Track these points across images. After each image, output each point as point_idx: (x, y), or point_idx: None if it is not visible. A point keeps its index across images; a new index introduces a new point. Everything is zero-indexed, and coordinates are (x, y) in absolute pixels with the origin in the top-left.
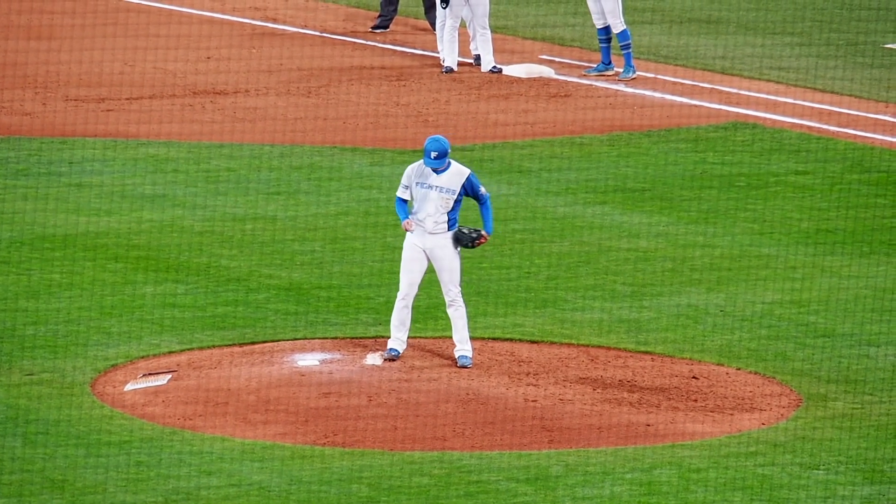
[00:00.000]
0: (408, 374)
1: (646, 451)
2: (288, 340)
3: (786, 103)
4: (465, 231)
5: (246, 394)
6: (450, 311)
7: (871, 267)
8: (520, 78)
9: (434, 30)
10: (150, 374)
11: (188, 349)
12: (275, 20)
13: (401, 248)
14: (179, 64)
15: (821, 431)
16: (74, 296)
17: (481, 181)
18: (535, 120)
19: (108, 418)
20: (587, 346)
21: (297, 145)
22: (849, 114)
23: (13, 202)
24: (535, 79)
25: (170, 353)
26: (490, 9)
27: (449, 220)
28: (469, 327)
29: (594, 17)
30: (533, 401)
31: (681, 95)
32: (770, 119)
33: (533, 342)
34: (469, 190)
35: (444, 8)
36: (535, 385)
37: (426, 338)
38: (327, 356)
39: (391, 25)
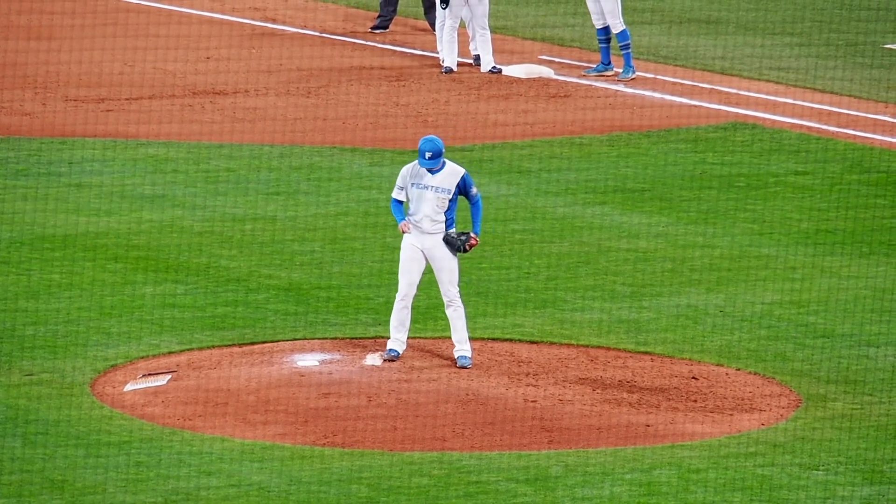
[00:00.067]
0: (407, 375)
1: (645, 452)
2: (287, 341)
3: (785, 104)
4: (454, 235)
5: (245, 394)
6: (448, 312)
7: (870, 267)
8: (519, 78)
9: (433, 30)
10: (149, 374)
11: (188, 349)
12: (274, 20)
13: (400, 249)
14: (179, 64)
15: (820, 432)
16: (74, 296)
17: (481, 181)
18: (534, 120)
19: (107, 419)
20: (587, 346)
21: (296, 145)
22: (848, 114)
23: (13, 202)
24: (534, 79)
25: (169, 353)
26: (489, 9)
27: (446, 219)
28: (468, 328)
29: (593, 17)
30: (532, 401)
31: (680, 96)
32: (770, 119)
33: (532, 342)
34: (462, 189)
35: (444, 8)
36: (534, 385)
37: (426, 338)
38: (327, 356)
39: (391, 26)
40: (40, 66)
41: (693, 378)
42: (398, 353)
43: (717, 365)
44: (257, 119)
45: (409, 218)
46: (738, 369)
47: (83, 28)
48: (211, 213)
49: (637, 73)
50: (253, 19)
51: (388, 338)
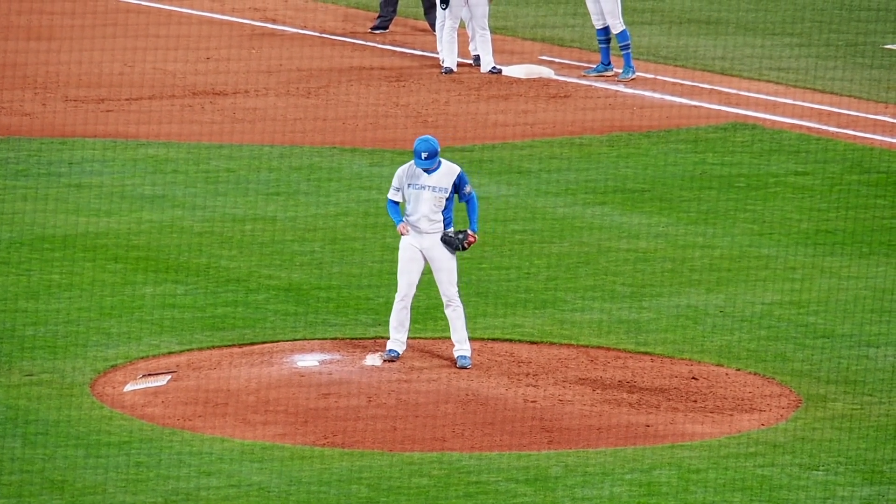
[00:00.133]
0: (407, 375)
1: (645, 452)
2: (287, 341)
3: (785, 104)
4: (451, 234)
5: (245, 394)
6: (448, 312)
7: (870, 268)
8: (519, 78)
9: (433, 31)
10: (149, 374)
11: (188, 350)
12: (274, 21)
13: (399, 249)
14: (179, 64)
15: (820, 432)
16: (74, 296)
17: (481, 182)
18: (534, 120)
19: (107, 419)
20: (587, 346)
21: (296, 146)
22: (848, 114)
23: (13, 203)
24: (534, 79)
25: (169, 353)
26: (489, 9)
27: (444, 219)
28: (468, 327)
29: (593, 17)
30: (532, 401)
31: (680, 96)
32: (769, 120)
33: (532, 343)
34: (456, 187)
35: (444, 9)
36: (534, 386)
37: (425, 338)
38: (327, 357)
39: (390, 26)
40: (40, 66)
41: (693, 378)
42: (398, 354)
43: (717, 365)
44: (257, 119)
45: (407, 219)
46: (738, 369)
47: (83, 28)
48: (211, 214)
49: (637, 74)
50: (253, 20)
51: (388, 338)
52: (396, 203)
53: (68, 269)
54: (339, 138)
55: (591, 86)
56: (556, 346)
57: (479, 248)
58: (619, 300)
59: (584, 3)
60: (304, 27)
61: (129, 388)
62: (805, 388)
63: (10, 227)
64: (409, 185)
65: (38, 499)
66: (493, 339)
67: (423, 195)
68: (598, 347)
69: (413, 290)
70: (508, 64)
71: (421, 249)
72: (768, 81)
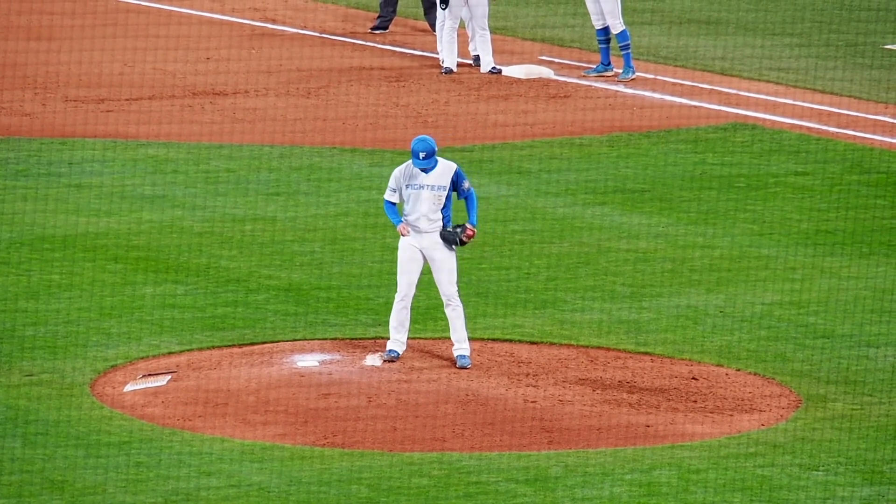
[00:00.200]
0: (407, 375)
1: (645, 452)
2: (287, 341)
3: (785, 104)
4: (449, 230)
5: (245, 395)
6: (447, 311)
7: (870, 268)
8: (519, 79)
9: (433, 31)
10: (149, 374)
11: (188, 350)
12: (274, 21)
13: (398, 249)
14: (179, 65)
15: (820, 432)
16: (74, 297)
17: (481, 182)
18: (534, 121)
19: (107, 419)
20: (587, 346)
21: (296, 146)
22: (848, 115)
23: (13, 203)
24: (534, 80)
25: (169, 353)
26: (489, 10)
27: (443, 217)
28: (467, 327)
29: (593, 17)
30: (532, 402)
31: (680, 96)
32: (769, 120)
33: (532, 343)
34: (454, 184)
35: (444, 9)
36: (534, 386)
37: (425, 339)
38: (327, 357)
39: (390, 26)
40: (40, 66)
41: (693, 378)
42: (398, 354)
43: (717, 365)
44: (257, 119)
45: (406, 219)
46: (738, 370)
47: (83, 28)
48: (211, 214)
49: (637, 74)
50: (253, 20)
51: (388, 338)
52: (393, 204)
53: (68, 270)
54: (339, 138)
55: (591, 86)
56: (556, 347)
57: (479, 248)
58: (619, 300)
59: (584, 4)
60: (304, 27)
61: (129, 388)
62: (805, 388)
63: (10, 227)
64: (407, 185)
65: (38, 499)
66: (493, 340)
67: (422, 195)
68: (598, 348)
69: (413, 290)
70: (508, 64)
71: (421, 249)
72: (768, 82)
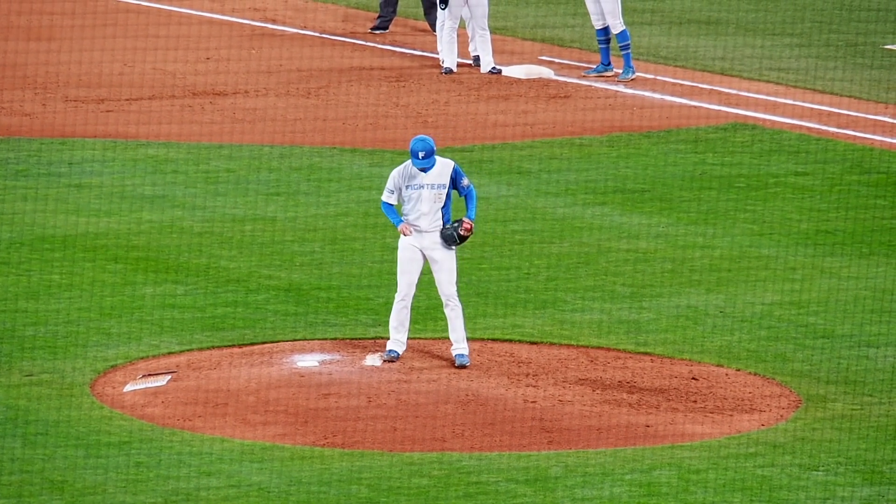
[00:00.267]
0: (407, 376)
1: (645, 452)
2: (287, 341)
3: (785, 104)
4: (447, 227)
5: (245, 395)
6: (446, 311)
7: (870, 268)
8: (519, 79)
9: (433, 31)
10: (149, 374)
11: (188, 350)
12: (274, 21)
13: (398, 249)
14: (179, 65)
15: (820, 432)
16: (74, 297)
17: (481, 182)
18: (534, 121)
19: (107, 419)
20: (587, 347)
21: (296, 146)
22: (848, 115)
23: (13, 203)
24: (534, 80)
25: (169, 353)
26: (489, 10)
27: (443, 216)
28: (466, 327)
29: (593, 18)
30: (532, 402)
31: (680, 96)
32: (769, 120)
33: (532, 343)
34: (454, 181)
35: (444, 9)
36: (534, 386)
37: (425, 339)
38: (327, 357)
39: (390, 26)
40: (40, 66)
41: (693, 379)
42: (398, 354)
43: (717, 365)
44: (257, 120)
45: (405, 219)
46: (738, 370)
47: (83, 28)
48: (211, 214)
49: (637, 74)
50: (253, 20)
51: (388, 338)
52: (391, 205)
53: (68, 270)
54: (339, 138)
55: (590, 86)
56: (556, 347)
57: (479, 248)
58: (619, 300)
59: (584, 4)
60: (304, 27)
61: (129, 388)
62: (805, 388)
63: (11, 227)
64: (406, 186)
65: (38, 499)
66: (493, 340)
67: (423, 194)
68: (598, 348)
69: (413, 290)
70: (508, 64)
71: (421, 249)
72: (768, 82)
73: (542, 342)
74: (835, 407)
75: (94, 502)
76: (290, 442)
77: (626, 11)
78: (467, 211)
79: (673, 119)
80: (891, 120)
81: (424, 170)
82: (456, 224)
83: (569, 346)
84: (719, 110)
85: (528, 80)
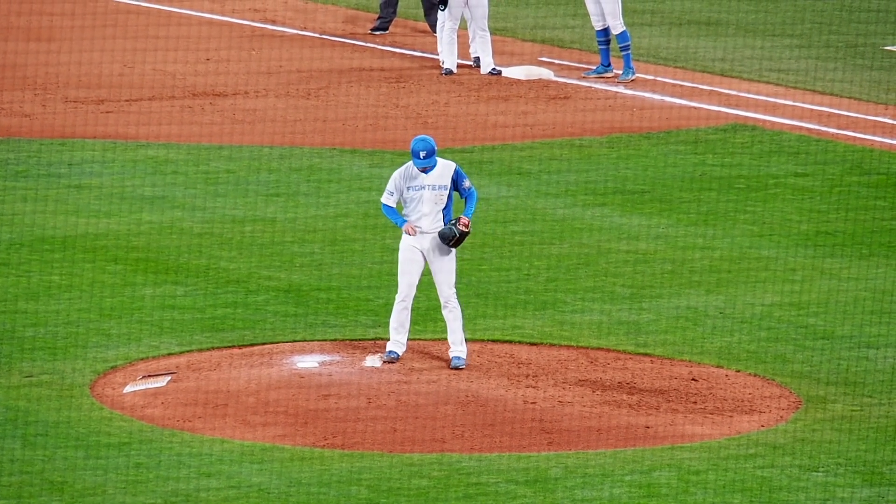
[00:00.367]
0: (407, 376)
1: (645, 453)
2: (287, 342)
3: (785, 105)
4: (445, 227)
5: (245, 396)
6: (445, 313)
7: (870, 269)
8: (519, 80)
9: (434, 32)
10: (149, 375)
11: (187, 351)
12: (274, 22)
13: (399, 250)
14: (179, 66)
15: (820, 433)
16: (74, 297)
17: (481, 183)
18: (534, 122)
19: (107, 420)
20: (586, 347)
21: (296, 147)
22: (848, 116)
23: (12, 204)
24: (534, 81)
25: (169, 354)
26: (489, 11)
27: (444, 217)
28: (464, 329)
29: (593, 19)
30: (532, 403)
31: (680, 97)
32: (769, 121)
33: (532, 344)
34: (455, 182)
35: (443, 10)
36: (534, 387)
37: (425, 340)
38: (326, 358)
39: (390, 27)
40: (40, 67)
41: (693, 380)
42: (398, 355)
43: (717, 366)
44: (257, 120)
45: (407, 219)
46: (738, 371)
47: (83, 29)
48: (210, 215)
49: (637, 75)
50: (253, 21)
51: (388, 339)
52: (391, 206)
53: (68, 271)
54: (338, 139)
55: (590, 87)
56: (556, 348)
57: (479, 249)
58: (618, 301)
59: (584, 5)
60: (304, 28)
61: (128, 389)
62: (805, 389)
63: (10, 228)
64: (407, 187)
65: (38, 500)
66: (493, 341)
67: (424, 195)
68: (598, 349)
69: (413, 292)
70: (508, 65)
71: (421, 250)
72: (768, 83)
73: (541, 343)
74: (835, 408)
75: (93, 503)
76: (290, 443)
77: (627, 12)
78: (465, 210)
79: (673, 120)
80: (891, 121)
81: (425, 170)
82: (453, 221)
83: (568, 347)
84: (719, 111)
85: (528, 81)
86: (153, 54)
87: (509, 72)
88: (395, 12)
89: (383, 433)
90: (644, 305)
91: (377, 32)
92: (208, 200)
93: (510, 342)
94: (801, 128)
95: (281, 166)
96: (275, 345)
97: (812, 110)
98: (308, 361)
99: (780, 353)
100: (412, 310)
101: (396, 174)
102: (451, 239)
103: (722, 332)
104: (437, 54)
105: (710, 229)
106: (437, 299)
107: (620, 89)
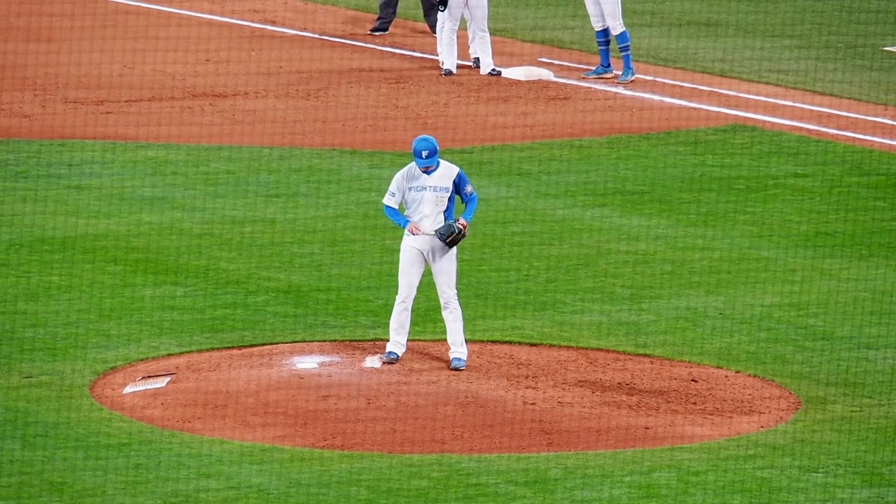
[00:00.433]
0: (407, 377)
1: (644, 454)
2: (287, 343)
3: (785, 106)
4: (443, 227)
5: (245, 396)
6: (445, 314)
7: (869, 270)
8: (519, 80)
9: (433, 32)
10: (149, 376)
11: (187, 352)
12: (273, 22)
13: (399, 251)
14: (178, 66)
15: (820, 434)
16: (73, 298)
17: (481, 183)
18: (534, 122)
19: (106, 421)
20: (586, 348)
21: (296, 148)
22: (848, 116)
23: (12, 204)
24: (534, 81)
25: (169, 355)
26: (489, 11)
27: (445, 219)
28: (464, 330)
29: (593, 19)
30: (532, 403)
31: (680, 98)
32: (769, 122)
33: (532, 345)
34: (457, 187)
35: (443, 10)
36: (533, 388)
37: (425, 341)
38: (326, 359)
39: (390, 28)
40: (39, 67)
41: (692, 380)
42: (397, 356)
43: (717, 367)
44: (257, 121)
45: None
46: (738, 372)
47: (82, 30)
48: (210, 216)
49: (636, 76)
50: (252, 21)
51: (388, 340)
52: (393, 207)
53: (68, 271)
54: (338, 140)
55: (590, 88)
56: (556, 348)
57: (479, 249)
58: (618, 302)
59: (584, 5)
60: (304, 29)
61: (128, 389)
62: (804, 390)
63: (10, 228)
64: (409, 188)
65: (38, 500)
66: (493, 341)
67: (426, 196)
68: (598, 349)
69: (413, 292)
70: (508, 66)
71: (422, 251)
72: (768, 83)
73: (541, 344)
74: (834, 409)
75: None
76: (290, 444)
77: (626, 13)
78: (464, 213)
79: (672, 121)
80: (890, 122)
81: (427, 170)
82: (451, 222)
83: (568, 347)
84: (719, 112)
85: (527, 81)
86: (153, 55)
87: (509, 72)
88: (394, 13)
89: (383, 434)
90: (644, 306)
91: (377, 33)
92: (208, 201)
93: (510, 343)
94: (800, 128)
95: (281, 167)
96: (274, 345)
97: (812, 111)
98: (308, 362)
99: (779, 353)
100: (412, 311)
101: (399, 175)
102: (448, 235)
103: (721, 332)
104: (437, 55)
105: (709, 230)
106: (437, 300)
107: (620, 90)
